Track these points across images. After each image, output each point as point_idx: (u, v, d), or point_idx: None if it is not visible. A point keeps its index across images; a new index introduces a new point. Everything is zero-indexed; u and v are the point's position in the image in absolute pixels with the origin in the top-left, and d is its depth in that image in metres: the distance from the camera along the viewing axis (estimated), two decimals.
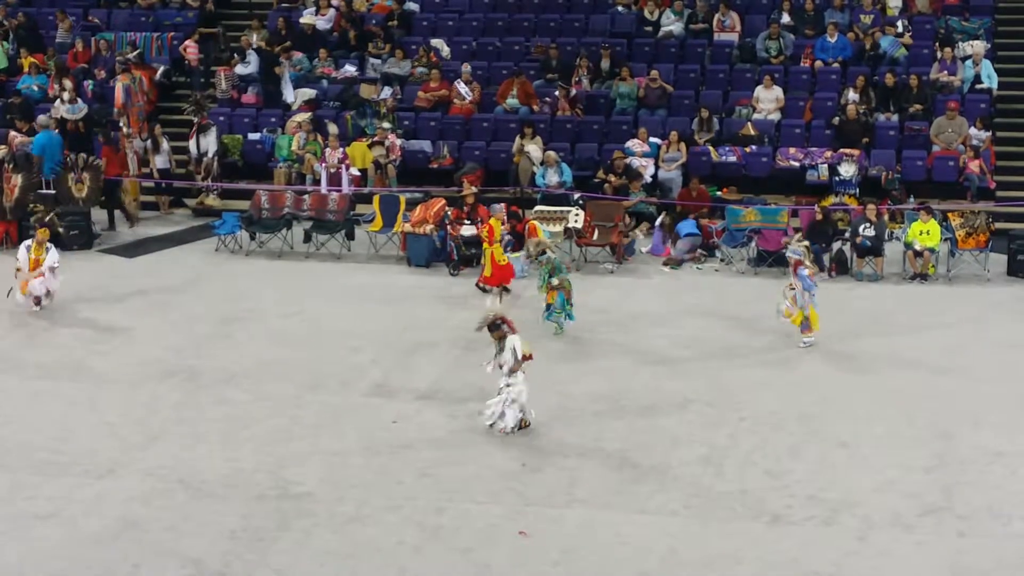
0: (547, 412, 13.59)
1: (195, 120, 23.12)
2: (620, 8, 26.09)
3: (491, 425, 12.96)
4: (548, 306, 16.33)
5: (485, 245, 17.70)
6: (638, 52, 25.12)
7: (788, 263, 16.39)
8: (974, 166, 21.50)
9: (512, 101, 23.93)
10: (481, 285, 17.83)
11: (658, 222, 20.61)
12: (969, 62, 23.49)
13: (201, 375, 14.87)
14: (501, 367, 13.00)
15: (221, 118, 24.32)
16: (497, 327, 13.04)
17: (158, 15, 27.52)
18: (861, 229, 19.00)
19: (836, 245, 19.35)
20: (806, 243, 16.31)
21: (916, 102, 22.86)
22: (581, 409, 13.75)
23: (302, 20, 26.25)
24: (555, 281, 16.15)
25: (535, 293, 16.91)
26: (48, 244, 17.35)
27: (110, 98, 24.19)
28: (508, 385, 12.90)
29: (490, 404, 13.03)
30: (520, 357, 12.91)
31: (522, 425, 13.02)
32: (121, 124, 23.42)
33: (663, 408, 13.74)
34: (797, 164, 22.35)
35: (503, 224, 18.65)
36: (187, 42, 26.05)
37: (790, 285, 15.78)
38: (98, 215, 21.76)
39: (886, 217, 19.96)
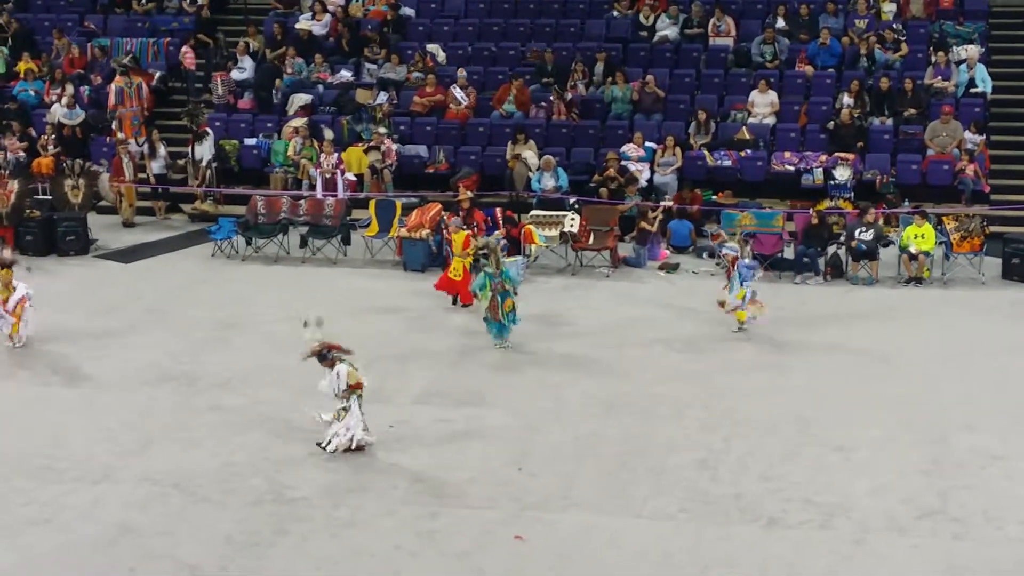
0: (542, 416, 13.63)
1: (193, 128, 23.14)
2: (615, 13, 26.13)
3: (325, 447, 12.61)
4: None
5: (459, 259, 17.54)
6: (633, 57, 25.14)
7: (724, 260, 16.59)
8: (969, 170, 21.55)
9: (509, 107, 23.96)
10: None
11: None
12: (963, 66, 23.51)
13: (197, 380, 14.88)
14: (335, 394, 12.54)
15: (218, 123, 24.33)
16: (325, 356, 12.56)
17: (154, 21, 27.53)
18: (857, 233, 19.03)
19: (831, 249, 19.37)
20: (736, 237, 16.72)
21: (910, 106, 22.90)
22: (576, 413, 13.76)
23: (298, 26, 26.29)
24: (484, 302, 15.69)
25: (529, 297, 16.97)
26: (15, 283, 15.63)
27: (106, 103, 24.25)
28: (344, 409, 12.52)
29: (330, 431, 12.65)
30: (346, 386, 12.41)
31: (355, 447, 12.60)
32: (113, 127, 23.46)
33: (658, 412, 13.75)
34: (792, 168, 22.38)
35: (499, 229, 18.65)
36: (184, 48, 26.08)
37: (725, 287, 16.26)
38: (94, 220, 21.78)
39: (881, 221, 20.00)
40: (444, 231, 19.45)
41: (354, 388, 12.49)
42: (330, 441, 12.58)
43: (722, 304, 16.39)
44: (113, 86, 23.71)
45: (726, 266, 16.45)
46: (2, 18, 27.22)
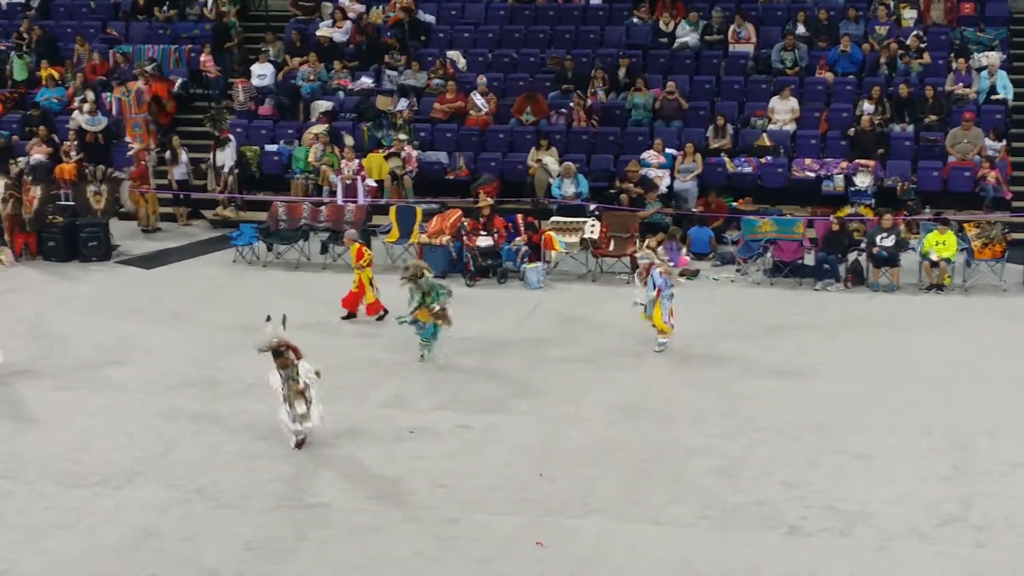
0: (562, 422, 13.64)
1: (215, 134, 23.23)
2: (635, 19, 26.13)
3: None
4: (416, 321, 15.66)
5: (356, 271, 17.41)
6: (653, 63, 25.15)
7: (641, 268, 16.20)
8: (990, 177, 21.48)
9: (527, 116, 23.98)
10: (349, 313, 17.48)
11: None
12: (984, 73, 23.47)
13: (218, 385, 14.94)
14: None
15: (239, 130, 24.42)
16: (280, 354, 12.71)
17: (176, 28, 27.67)
18: (879, 240, 18.99)
19: (852, 256, 19.34)
20: (651, 245, 16.17)
21: (931, 113, 22.85)
22: (596, 419, 13.76)
23: (319, 33, 26.37)
24: (436, 307, 15.46)
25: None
26: None
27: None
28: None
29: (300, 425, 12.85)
30: (315, 377, 12.70)
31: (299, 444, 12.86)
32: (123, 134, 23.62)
33: (678, 418, 13.75)
34: (813, 175, 22.35)
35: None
36: (203, 56, 26.20)
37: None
38: (116, 226, 21.87)
39: (901, 227, 19.95)
40: (464, 237, 19.50)
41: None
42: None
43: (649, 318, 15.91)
44: (113, 97, 23.86)
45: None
46: (24, 25, 27.39)
